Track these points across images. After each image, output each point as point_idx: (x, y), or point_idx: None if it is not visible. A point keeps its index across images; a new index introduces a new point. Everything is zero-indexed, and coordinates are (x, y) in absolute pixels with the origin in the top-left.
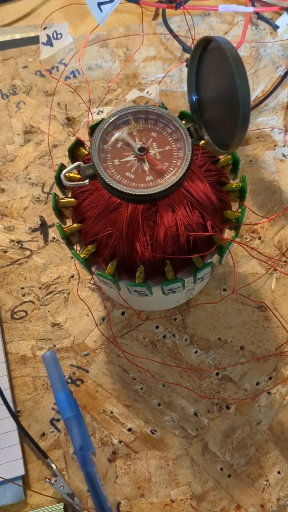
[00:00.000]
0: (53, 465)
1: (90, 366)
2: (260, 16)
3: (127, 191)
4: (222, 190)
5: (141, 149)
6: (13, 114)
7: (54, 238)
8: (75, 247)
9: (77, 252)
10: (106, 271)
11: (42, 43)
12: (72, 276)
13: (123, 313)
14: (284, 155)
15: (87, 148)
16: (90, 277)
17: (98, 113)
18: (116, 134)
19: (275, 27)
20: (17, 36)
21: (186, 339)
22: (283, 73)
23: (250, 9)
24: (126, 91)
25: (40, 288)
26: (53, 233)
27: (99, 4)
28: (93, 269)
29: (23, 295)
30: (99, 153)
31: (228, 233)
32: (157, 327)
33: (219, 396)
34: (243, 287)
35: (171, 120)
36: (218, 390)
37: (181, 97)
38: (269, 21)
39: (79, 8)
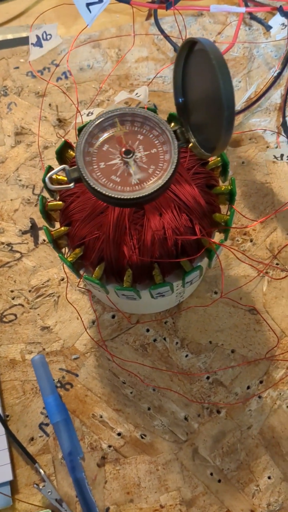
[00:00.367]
0: (41, 470)
1: (80, 370)
2: (253, 17)
3: (113, 195)
4: (211, 193)
5: (127, 152)
6: (4, 115)
7: (44, 240)
8: (64, 250)
9: (66, 256)
10: (93, 275)
11: (31, 43)
12: (62, 279)
13: (113, 316)
14: (276, 157)
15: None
16: (78, 282)
17: (88, 115)
18: (102, 137)
19: (268, 28)
20: (9, 36)
21: (176, 343)
22: (276, 74)
23: (242, 9)
24: (118, 92)
25: (29, 291)
26: (43, 235)
27: (88, 4)
28: (81, 272)
29: (13, 298)
30: (84, 156)
31: (218, 236)
32: (147, 330)
33: (210, 400)
34: (234, 290)
35: (157, 122)
36: (208, 394)
37: (173, 98)
38: (262, 22)
39: (71, 9)
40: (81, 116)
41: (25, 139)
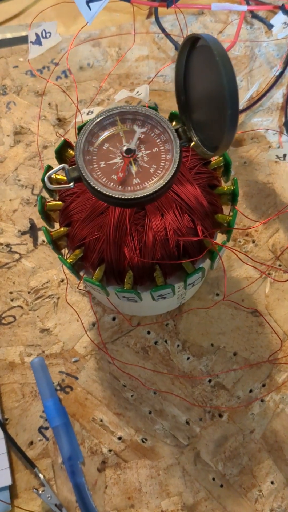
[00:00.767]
0: (40, 475)
1: (80, 373)
2: (254, 15)
3: (113, 195)
4: (213, 193)
5: (128, 151)
6: (3, 114)
7: (43, 241)
8: (63, 251)
9: (66, 256)
10: (94, 277)
11: (30, 42)
12: (62, 281)
13: (114, 319)
14: (278, 157)
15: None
16: (78, 284)
17: (87, 114)
18: (102, 135)
19: (270, 26)
20: (8, 35)
21: (178, 345)
22: (278, 73)
23: (244, 7)
24: (118, 91)
25: (29, 292)
26: (42, 236)
27: (88, 2)
28: (81, 274)
29: (12, 300)
30: (84, 155)
31: (220, 237)
32: (148, 332)
33: (212, 404)
34: (236, 291)
35: (159, 121)
36: (210, 398)
37: (174, 97)
38: (263, 20)
39: (71, 7)
40: (81, 115)
41: (24, 138)
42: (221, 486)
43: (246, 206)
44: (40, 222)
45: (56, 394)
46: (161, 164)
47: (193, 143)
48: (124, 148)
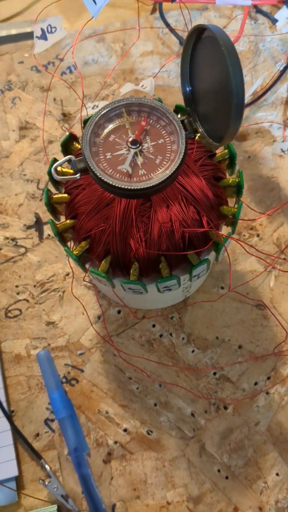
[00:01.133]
0: (47, 466)
1: (85, 366)
2: (258, 10)
3: (120, 185)
4: (218, 185)
5: (134, 142)
6: (8, 110)
7: (49, 235)
8: (69, 244)
9: (71, 249)
10: (99, 268)
11: (36, 37)
12: (68, 274)
13: (119, 312)
14: (283, 150)
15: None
16: (84, 276)
17: (93, 108)
18: (108, 127)
19: (274, 21)
20: (13, 31)
21: (183, 338)
22: (282, 68)
23: (248, 2)
24: (123, 86)
25: (34, 286)
26: (48, 230)
27: None
28: (87, 266)
29: (18, 293)
30: (90, 147)
31: (225, 230)
32: (153, 325)
33: (217, 396)
34: (241, 285)
35: (164, 113)
36: (215, 390)
37: (178, 92)
38: (268, 15)
39: (75, 3)
40: (86, 109)
41: (30, 133)
42: (226, 477)
43: (250, 200)
44: (45, 217)
45: (62, 387)
46: (167, 155)
47: (198, 134)
48: (130, 139)
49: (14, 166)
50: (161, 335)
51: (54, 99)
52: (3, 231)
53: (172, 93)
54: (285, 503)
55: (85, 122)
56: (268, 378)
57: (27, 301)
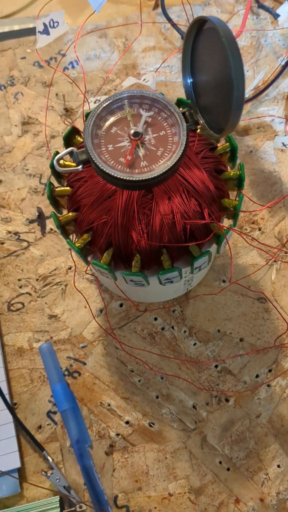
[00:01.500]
0: (49, 458)
1: (88, 358)
2: (260, 5)
3: (121, 177)
4: (220, 178)
5: (136, 134)
6: (11, 105)
7: (51, 229)
8: (71, 236)
9: (73, 242)
10: (101, 260)
11: (38, 31)
12: (70, 268)
13: (121, 305)
14: (284, 144)
15: (83, 134)
16: (86, 268)
17: (95, 102)
18: (110, 119)
19: (276, 16)
20: (16, 27)
21: (185, 331)
22: (284, 63)
23: None
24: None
25: (37, 279)
26: (50, 224)
27: None
28: (89, 258)
29: (20, 287)
30: (92, 139)
31: (226, 223)
32: (155, 319)
33: (218, 389)
34: (243, 278)
35: (166, 105)
36: (217, 383)
37: (180, 87)
38: (269, 10)
39: None
40: (88, 103)
41: (32, 128)
42: (228, 469)
43: (252, 194)
44: (47, 211)
45: (64, 379)
46: (168, 146)
47: (199, 126)
48: (132, 131)
49: (16, 161)
50: (163, 328)
51: (56, 94)
52: (6, 225)
53: (174, 88)
54: (286, 494)
55: (87, 115)
56: (270, 370)
57: (30, 294)
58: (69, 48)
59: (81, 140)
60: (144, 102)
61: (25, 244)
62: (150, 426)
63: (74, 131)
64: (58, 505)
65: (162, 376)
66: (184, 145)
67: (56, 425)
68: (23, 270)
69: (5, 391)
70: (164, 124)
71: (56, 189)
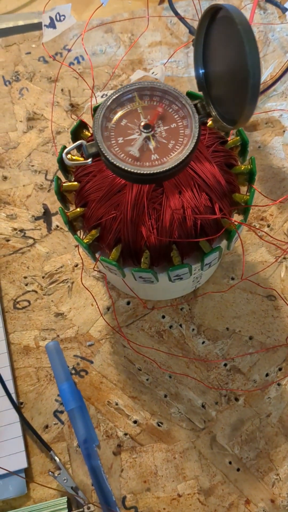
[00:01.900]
0: (56, 458)
1: (95, 357)
2: None
3: (132, 170)
4: (231, 172)
5: (146, 127)
6: (16, 100)
7: (57, 226)
8: (78, 233)
9: (81, 238)
10: (110, 257)
11: (44, 25)
12: (76, 265)
13: (128, 303)
14: None
15: (90, 130)
16: (94, 265)
17: (102, 97)
18: (120, 112)
19: (284, 10)
20: (20, 22)
21: (193, 329)
22: None
23: None
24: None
25: (43, 277)
26: (56, 221)
27: None
28: (97, 255)
29: (26, 285)
30: (102, 131)
31: (236, 218)
32: (163, 317)
33: (228, 388)
34: (252, 275)
35: (177, 96)
36: (226, 382)
37: (187, 82)
38: (277, 4)
39: None
40: (95, 98)
41: (37, 124)
42: (238, 470)
43: (261, 190)
44: (53, 208)
45: (71, 378)
46: (180, 139)
47: (211, 118)
48: (142, 123)
49: (22, 157)
50: (171, 326)
51: (62, 90)
52: (11, 222)
53: (181, 83)
54: None
55: (95, 109)
56: (280, 369)
57: (36, 292)
58: (75, 43)
59: (89, 134)
60: (154, 94)
61: (30, 241)
62: (159, 425)
63: (81, 125)
64: (65, 506)
65: (170, 375)
66: (196, 138)
67: (63, 425)
68: (29, 268)
69: (11, 390)
70: (175, 116)
71: (64, 184)
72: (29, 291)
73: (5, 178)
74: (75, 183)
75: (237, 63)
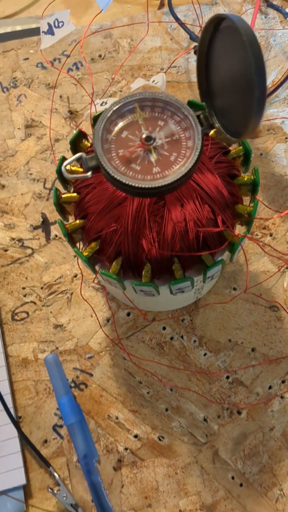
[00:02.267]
0: (55, 474)
1: (94, 370)
2: (269, 4)
3: (133, 184)
4: (233, 183)
5: (148, 139)
6: (13, 107)
7: (56, 236)
8: (78, 244)
9: (80, 250)
10: (110, 270)
11: (43, 31)
12: (75, 276)
13: (128, 314)
14: None
15: (90, 140)
16: (94, 278)
17: (101, 104)
18: (121, 123)
19: (286, 15)
20: (18, 28)
21: (194, 341)
22: None
23: None
24: (131, 83)
25: (42, 288)
26: (55, 230)
27: None
28: (97, 267)
29: (24, 296)
30: (102, 144)
31: (239, 229)
32: (164, 328)
33: (230, 401)
34: (254, 286)
35: (179, 107)
36: (228, 395)
37: (188, 88)
38: (279, 9)
39: None
40: (95, 106)
41: (36, 131)
42: (241, 485)
43: (263, 198)
44: (52, 217)
45: (71, 391)
46: (182, 151)
47: (214, 129)
48: (144, 135)
49: (20, 165)
50: (171, 338)
51: (61, 96)
52: (9, 232)
53: (181, 89)
54: None
55: (94, 119)
56: (283, 381)
57: (34, 303)
58: (73, 49)
59: (88, 144)
60: (156, 104)
61: (29, 251)
62: (160, 440)
63: (81, 135)
64: None
65: (171, 388)
66: (199, 150)
67: (63, 440)
68: (27, 278)
69: (9, 404)
70: (178, 128)
71: (63, 196)
72: (27, 302)
73: (3, 186)
74: (75, 194)
75: (241, 74)
